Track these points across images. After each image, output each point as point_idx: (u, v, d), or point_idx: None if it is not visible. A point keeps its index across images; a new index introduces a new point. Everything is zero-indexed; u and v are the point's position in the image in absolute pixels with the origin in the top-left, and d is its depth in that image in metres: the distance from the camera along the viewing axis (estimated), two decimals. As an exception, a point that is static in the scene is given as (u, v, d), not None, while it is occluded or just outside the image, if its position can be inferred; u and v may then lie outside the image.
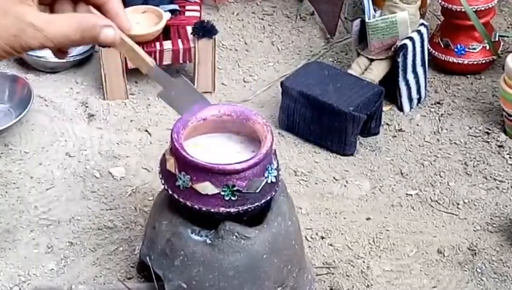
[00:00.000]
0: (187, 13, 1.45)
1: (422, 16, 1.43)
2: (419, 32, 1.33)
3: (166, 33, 1.38)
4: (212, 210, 0.89)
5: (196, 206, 0.89)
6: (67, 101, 1.38)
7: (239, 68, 1.49)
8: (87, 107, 1.36)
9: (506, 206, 1.17)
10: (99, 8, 0.69)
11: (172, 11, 1.43)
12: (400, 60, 1.31)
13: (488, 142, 1.29)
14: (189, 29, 1.38)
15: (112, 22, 0.69)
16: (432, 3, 1.59)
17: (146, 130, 1.32)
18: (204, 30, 1.34)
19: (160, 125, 1.32)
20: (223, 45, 1.54)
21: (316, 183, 1.22)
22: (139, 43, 0.74)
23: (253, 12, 1.65)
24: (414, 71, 1.34)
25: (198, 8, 1.48)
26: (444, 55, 1.43)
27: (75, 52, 1.43)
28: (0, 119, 1.31)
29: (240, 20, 1.62)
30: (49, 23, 0.66)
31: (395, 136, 1.32)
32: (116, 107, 1.36)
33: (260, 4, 1.67)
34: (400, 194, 1.20)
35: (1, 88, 1.35)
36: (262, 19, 1.63)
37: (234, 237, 0.90)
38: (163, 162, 0.93)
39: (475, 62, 1.42)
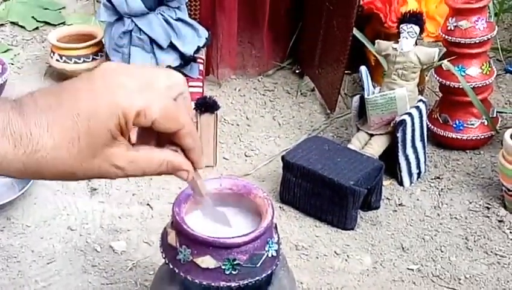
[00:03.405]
0: (190, 89, 1.46)
1: (420, 92, 1.46)
2: (417, 108, 1.36)
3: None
4: (212, 284, 0.88)
5: (196, 281, 0.89)
6: (70, 175, 1.39)
7: (240, 142, 1.50)
8: (89, 181, 1.37)
9: (508, 281, 1.17)
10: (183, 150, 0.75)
11: (175, 87, 1.45)
12: (399, 135, 1.33)
13: (488, 217, 1.30)
14: (192, 104, 1.40)
15: (189, 164, 0.75)
16: (430, 80, 1.62)
17: (148, 204, 1.32)
18: (207, 105, 1.36)
19: (162, 199, 1.33)
20: (225, 119, 1.56)
21: (317, 258, 1.21)
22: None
23: (254, 88, 1.67)
24: (413, 146, 1.36)
25: (200, 84, 1.51)
26: (442, 131, 1.45)
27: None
28: (3, 193, 1.32)
29: (242, 96, 1.65)
30: (132, 163, 0.70)
31: (396, 211, 1.32)
32: (118, 181, 1.37)
33: (262, 80, 1.70)
34: (401, 269, 1.20)
35: (5, 162, 1.36)
36: (264, 95, 1.66)
37: (235, 311, 0.90)
38: (164, 235, 0.93)
39: (474, 138, 1.44)
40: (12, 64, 1.73)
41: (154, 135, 0.74)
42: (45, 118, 0.66)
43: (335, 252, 1.23)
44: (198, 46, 1.49)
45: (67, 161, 0.67)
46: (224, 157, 1.45)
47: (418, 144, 1.37)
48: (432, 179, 1.39)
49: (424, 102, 1.38)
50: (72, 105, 0.67)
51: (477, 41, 1.39)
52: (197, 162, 0.76)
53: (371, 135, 1.38)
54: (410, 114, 1.34)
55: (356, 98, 1.39)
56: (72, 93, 0.68)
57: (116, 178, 0.71)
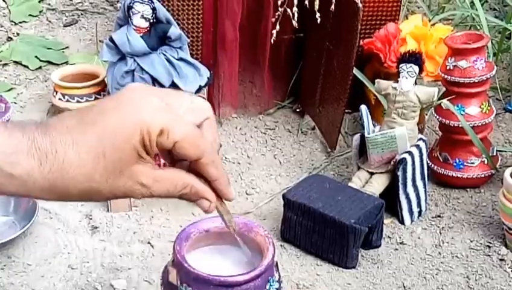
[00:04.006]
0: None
1: (420, 131, 1.47)
2: (417, 146, 1.36)
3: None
4: (213, 323, 0.88)
5: (197, 319, 0.89)
6: (72, 213, 1.39)
7: (241, 181, 1.51)
8: (90, 219, 1.37)
9: (510, 320, 1.16)
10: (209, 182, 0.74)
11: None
12: (399, 173, 1.33)
13: (489, 255, 1.29)
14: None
15: (212, 195, 0.74)
16: (430, 119, 1.63)
17: (149, 242, 1.32)
18: (208, 144, 1.37)
19: (163, 237, 1.33)
20: (226, 158, 1.56)
21: (318, 297, 1.21)
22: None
23: (255, 127, 1.68)
24: (414, 185, 1.36)
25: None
26: (443, 169, 1.45)
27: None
28: (4, 231, 1.32)
29: (243, 135, 1.66)
30: (157, 182, 0.70)
31: (397, 249, 1.32)
32: (119, 219, 1.37)
33: (262, 119, 1.71)
34: (402, 308, 1.19)
35: (6, 201, 1.36)
36: (265, 133, 1.66)
37: None
38: (165, 274, 0.93)
39: (474, 176, 1.44)
40: (15, 103, 1.75)
41: (185, 166, 0.74)
42: (70, 137, 0.67)
43: (336, 291, 1.22)
44: (200, 86, 1.50)
45: (93, 177, 0.67)
46: (225, 196, 1.45)
47: (419, 183, 1.37)
48: (432, 217, 1.40)
49: (424, 141, 1.39)
50: (98, 123, 0.68)
51: (476, 80, 1.40)
52: (224, 192, 0.75)
53: (372, 174, 1.38)
54: (410, 153, 1.34)
55: (356, 137, 1.40)
56: (98, 112, 0.69)
57: (141, 197, 0.71)
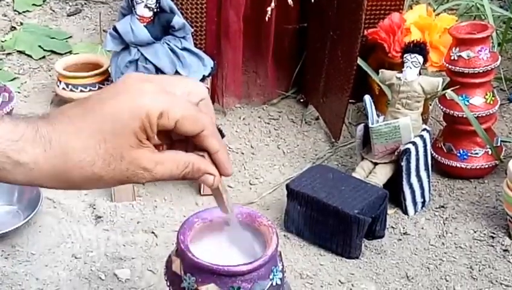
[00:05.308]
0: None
1: (424, 122, 1.47)
2: (421, 137, 1.36)
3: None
4: (217, 312, 0.88)
5: (201, 309, 0.89)
6: (75, 203, 1.39)
7: (245, 171, 1.51)
8: (94, 209, 1.37)
9: (513, 311, 1.16)
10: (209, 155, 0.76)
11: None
12: (403, 164, 1.33)
13: (493, 246, 1.29)
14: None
15: (214, 169, 0.76)
16: (434, 109, 1.63)
17: (152, 232, 1.32)
18: (212, 134, 1.37)
19: (167, 227, 1.33)
20: (229, 148, 1.56)
21: (322, 287, 1.21)
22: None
23: (259, 117, 1.68)
24: (418, 175, 1.36)
25: (205, 112, 1.52)
26: (447, 160, 1.45)
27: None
28: (8, 220, 1.32)
29: (247, 125, 1.66)
30: (159, 165, 0.73)
31: (400, 240, 1.32)
32: (123, 209, 1.38)
33: (266, 109, 1.71)
34: (405, 298, 1.19)
35: (10, 190, 1.37)
36: (268, 124, 1.66)
37: (239, 340, 0.89)
38: (168, 263, 0.93)
39: (478, 167, 1.44)
40: (19, 92, 1.75)
41: (183, 147, 0.76)
42: (73, 125, 0.70)
43: (339, 281, 1.22)
44: (204, 75, 1.50)
45: (96, 162, 0.70)
46: (229, 186, 1.46)
47: (423, 173, 1.37)
48: (436, 208, 1.39)
49: (428, 131, 1.39)
50: (98, 111, 0.71)
51: (481, 71, 1.40)
52: (225, 165, 0.77)
53: (375, 164, 1.38)
54: (414, 143, 1.34)
55: (360, 127, 1.40)
56: (97, 101, 0.72)
57: (145, 181, 0.73)
